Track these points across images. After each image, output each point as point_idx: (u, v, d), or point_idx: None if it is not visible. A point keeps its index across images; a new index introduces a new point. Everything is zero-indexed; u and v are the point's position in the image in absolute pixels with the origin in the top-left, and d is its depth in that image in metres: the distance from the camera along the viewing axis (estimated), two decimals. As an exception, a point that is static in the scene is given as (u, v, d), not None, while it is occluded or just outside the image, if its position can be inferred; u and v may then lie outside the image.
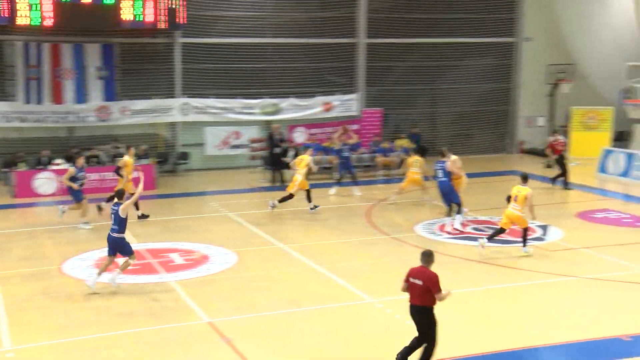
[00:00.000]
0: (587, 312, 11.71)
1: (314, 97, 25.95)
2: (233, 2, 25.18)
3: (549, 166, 25.37)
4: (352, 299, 12.38)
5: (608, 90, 27.71)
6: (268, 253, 15.32)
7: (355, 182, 21.13)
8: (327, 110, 26.14)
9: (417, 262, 14.24)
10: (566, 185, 21.26)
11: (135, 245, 15.69)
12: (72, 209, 17.30)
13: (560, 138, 22.07)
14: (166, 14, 22.96)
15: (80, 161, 17.54)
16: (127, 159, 17.87)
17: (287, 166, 22.79)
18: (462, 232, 16.47)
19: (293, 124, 25.66)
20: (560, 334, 10.67)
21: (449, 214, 17.05)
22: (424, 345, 9.39)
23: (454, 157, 17.37)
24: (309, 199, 18.50)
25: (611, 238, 15.83)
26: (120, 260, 13.02)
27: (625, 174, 22.59)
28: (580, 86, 28.29)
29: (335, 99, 26.18)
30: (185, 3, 23.40)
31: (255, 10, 25.51)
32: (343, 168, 21.07)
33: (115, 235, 12.65)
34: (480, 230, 16.72)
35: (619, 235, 16.17)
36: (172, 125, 25.19)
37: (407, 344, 9.53)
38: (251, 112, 25.39)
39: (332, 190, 20.91)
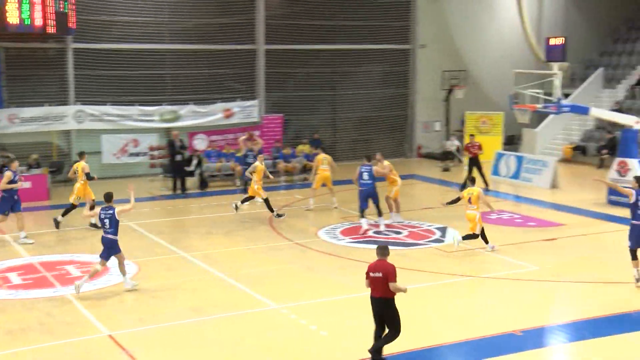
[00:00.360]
0: (482, 309, 12.10)
1: (214, 103, 25.71)
2: (128, 7, 24.60)
3: (445, 169, 26.19)
4: (257, 305, 12.31)
5: (498, 95, 28.91)
6: (170, 262, 15.03)
7: None
8: (228, 116, 25.95)
9: (321, 267, 14.48)
10: (487, 186, 22.05)
11: (28, 259, 15.07)
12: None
13: (476, 142, 22.59)
14: (55, 18, 22.13)
15: (15, 165, 16.78)
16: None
17: (189, 174, 22.50)
18: (364, 236, 16.71)
19: (193, 131, 25.31)
20: (458, 332, 10.96)
21: (380, 214, 17.37)
22: (387, 332, 9.76)
23: (386, 162, 17.93)
24: (269, 207, 18.29)
25: (504, 238, 16.44)
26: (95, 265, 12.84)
27: (516, 176, 23.58)
28: (473, 92, 29.41)
29: (235, 106, 26.04)
30: (75, 7, 22.66)
31: (151, 15, 25.02)
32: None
33: (111, 237, 12.85)
34: (382, 233, 17.00)
35: (512, 235, 16.83)
36: (67, 133, 24.32)
37: (374, 339, 9.84)
38: (150, 119, 24.87)
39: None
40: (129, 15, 24.65)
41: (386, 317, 9.75)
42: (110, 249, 12.96)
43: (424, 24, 28.91)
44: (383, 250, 9.89)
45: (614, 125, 24.88)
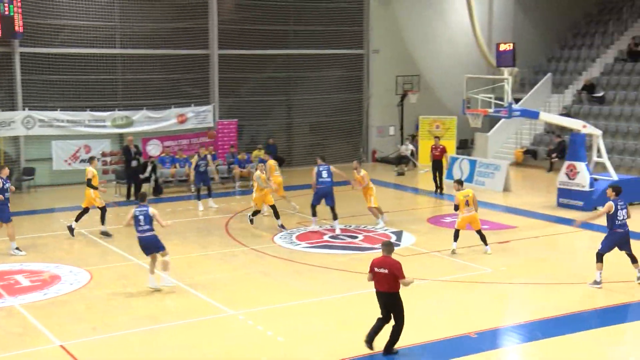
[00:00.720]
0: (437, 312, 12.21)
1: (167, 109, 25.44)
2: (77, 11, 24.11)
3: (400, 174, 26.39)
4: (213, 312, 12.21)
5: (451, 100, 29.29)
6: (124, 269, 14.81)
7: (209, 194, 20.85)
8: (182, 122, 25.70)
9: (277, 272, 14.43)
10: (441, 189, 22.40)
11: (-24, 269, 14.66)
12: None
13: (440, 145, 22.77)
14: (1, 21, 21.60)
15: (6, 171, 16.00)
16: None
17: (144, 180, 22.21)
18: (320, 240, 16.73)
19: (147, 137, 24.99)
20: (414, 335, 10.99)
21: (335, 218, 17.38)
22: (394, 325, 10.18)
23: (363, 171, 18.06)
24: (276, 215, 18.00)
25: (459, 241, 16.55)
26: None
27: (469, 179, 23.87)
28: (427, 96, 29.74)
29: (189, 111, 25.80)
30: (21, 11, 22.18)
31: (102, 20, 24.59)
32: (199, 180, 20.69)
33: (150, 234, 13.12)
34: (340, 238, 17.04)
35: (466, 239, 16.91)
36: (15, 139, 23.77)
37: (371, 328, 10.24)
38: (102, 125, 24.47)
39: (209, 205, 20.59)
40: (78, 19, 24.21)
41: (393, 310, 10.18)
42: (151, 247, 13.22)
43: (377, 29, 29.11)
44: (389, 246, 10.29)
45: (563, 129, 25.42)
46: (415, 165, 27.90)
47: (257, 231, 17.95)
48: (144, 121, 25.00)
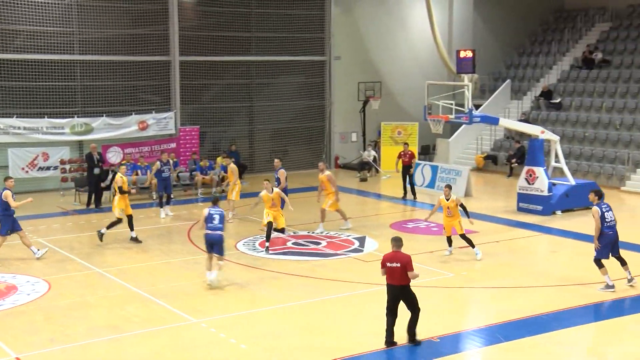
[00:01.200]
0: (400, 317, 12.14)
1: (128, 115, 25.15)
2: (34, 16, 23.71)
3: (363, 180, 26.49)
4: (176, 320, 12.08)
5: (412, 106, 29.52)
6: (83, 278, 14.57)
7: (168, 202, 20.63)
8: (143, 129, 25.43)
9: (240, 279, 14.33)
10: (414, 195, 22.47)
11: None
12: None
13: (409, 151, 22.93)
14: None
15: (11, 183, 16.00)
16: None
17: (105, 187, 21.88)
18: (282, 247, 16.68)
19: (107, 144, 24.66)
20: (377, 341, 11.03)
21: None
22: (411, 315, 10.86)
23: (328, 172, 18.21)
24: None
25: (421, 246, 16.70)
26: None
27: (431, 185, 24.08)
28: (388, 103, 29.92)
29: (150, 118, 25.55)
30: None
31: (59, 25, 24.20)
32: (162, 187, 20.47)
33: (221, 233, 13.76)
34: (301, 245, 17.02)
35: (429, 244, 17.12)
36: (-30, 147, 23.31)
37: (387, 330, 10.82)
38: (60, 132, 24.08)
39: (165, 213, 20.33)
40: (35, 24, 23.80)
41: (406, 301, 10.81)
42: (217, 246, 13.74)
43: (338, 36, 29.22)
44: (398, 242, 10.88)
45: (522, 135, 25.81)
46: (377, 171, 28.04)
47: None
48: (104, 128, 24.67)
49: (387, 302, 10.86)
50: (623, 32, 29.92)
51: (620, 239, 13.59)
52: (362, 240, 17.37)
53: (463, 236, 15.67)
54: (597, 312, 12.55)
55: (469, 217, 15.90)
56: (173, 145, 25.69)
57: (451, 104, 20.74)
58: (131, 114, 25.20)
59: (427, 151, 30.11)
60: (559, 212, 20.25)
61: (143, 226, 18.95)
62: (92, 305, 12.90)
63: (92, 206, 21.53)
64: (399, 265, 10.66)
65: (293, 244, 17.07)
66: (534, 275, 14.64)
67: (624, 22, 30.40)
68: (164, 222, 19.91)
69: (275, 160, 19.39)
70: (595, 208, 13.30)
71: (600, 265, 13.34)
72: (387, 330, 10.84)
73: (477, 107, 25.34)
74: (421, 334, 11.25)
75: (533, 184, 20.38)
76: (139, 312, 12.55)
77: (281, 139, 28.75)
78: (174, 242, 17.52)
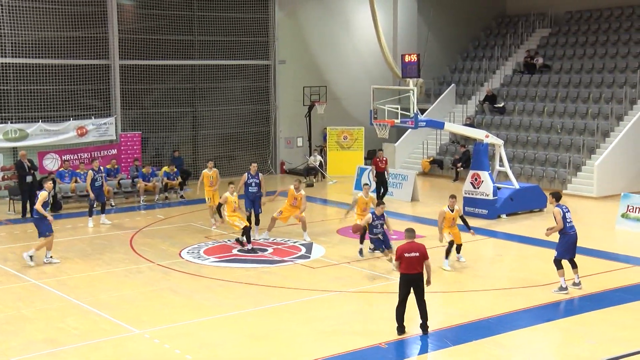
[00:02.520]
0: (348, 324, 12.10)
1: (66, 121, 24.38)
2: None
3: (309, 185, 26.30)
4: (118, 331, 11.70)
5: (358, 111, 29.51)
6: (19, 291, 13.97)
7: (103, 210, 20.03)
8: (82, 135, 24.68)
9: (185, 288, 13.95)
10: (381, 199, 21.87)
11: None
12: (40, 247, 15.75)
13: (384, 156, 22.58)
14: None
15: (50, 185, 16.18)
16: None
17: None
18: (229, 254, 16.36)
19: (44, 150, 23.85)
20: (325, 347, 10.91)
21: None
22: (425, 306, 11.37)
23: (303, 192, 17.70)
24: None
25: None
26: None
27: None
28: (334, 107, 29.84)
29: (90, 123, 24.82)
30: None
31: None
32: (96, 197, 19.72)
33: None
34: (250, 252, 16.71)
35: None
36: None
37: (398, 320, 11.33)
38: (-8, 138, 23.19)
39: (102, 222, 19.75)
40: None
41: (419, 290, 11.27)
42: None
43: (282, 40, 29.01)
44: (412, 232, 11.43)
45: (467, 139, 26.03)
46: (324, 176, 27.90)
47: (164, 246, 17.38)
48: (40, 134, 23.84)
49: (402, 293, 11.28)
50: (562, 37, 30.56)
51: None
52: (309, 247, 17.16)
53: (459, 246, 15.50)
54: (543, 314, 12.60)
55: (469, 230, 15.80)
56: (114, 151, 25.03)
57: (397, 109, 20.73)
58: (69, 120, 24.44)
59: (373, 156, 30.07)
60: (504, 216, 20.43)
61: (83, 235, 18.36)
62: (28, 318, 12.38)
63: (28, 215, 20.76)
64: (417, 254, 11.15)
65: (238, 251, 16.76)
66: (480, 279, 14.68)
67: (563, 28, 31.06)
68: (106, 230, 19.31)
69: (253, 164, 18.73)
70: (556, 209, 13.48)
71: (559, 267, 13.47)
72: (400, 319, 11.35)
73: (422, 111, 25.46)
74: (368, 340, 11.14)
75: (478, 188, 20.52)
76: (78, 324, 12.09)
77: (226, 145, 28.33)
78: (116, 251, 16.99)
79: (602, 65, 27.80)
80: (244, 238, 16.57)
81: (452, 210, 15.40)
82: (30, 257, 15.64)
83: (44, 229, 15.67)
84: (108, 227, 19.53)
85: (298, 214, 17.65)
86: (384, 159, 22.52)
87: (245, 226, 16.56)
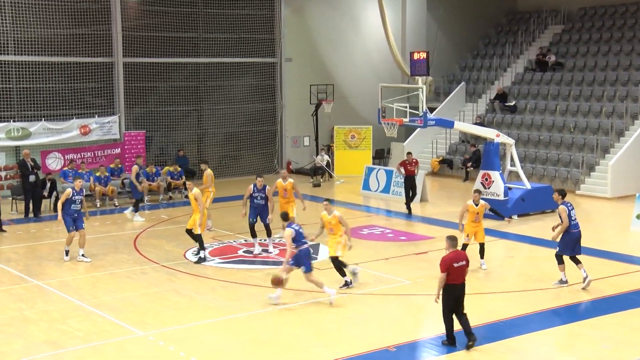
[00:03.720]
0: (356, 326, 11.88)
1: (69, 120, 24.08)
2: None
3: (317, 185, 25.98)
4: (122, 334, 11.48)
5: (366, 109, 29.16)
6: (22, 292, 13.73)
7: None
8: (85, 133, 24.38)
9: (189, 290, 13.65)
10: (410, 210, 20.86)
11: None
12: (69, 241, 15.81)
13: (413, 157, 21.51)
14: None
15: (78, 183, 15.96)
16: None
17: (45, 197, 20.92)
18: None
19: (47, 149, 23.55)
20: (333, 350, 10.71)
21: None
22: (466, 316, 10.82)
23: (290, 181, 17.39)
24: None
25: (377, 253, 16.34)
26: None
27: (386, 190, 23.66)
28: (342, 106, 29.48)
29: (93, 122, 24.52)
30: None
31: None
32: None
33: (307, 246, 13.15)
34: (252, 252, 16.40)
35: (384, 250, 16.74)
36: None
37: (464, 328, 10.72)
38: (-6, 137, 22.89)
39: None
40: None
41: (462, 299, 10.79)
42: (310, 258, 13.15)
43: (289, 37, 28.68)
44: (456, 240, 10.94)
45: (477, 138, 25.64)
46: (331, 176, 27.55)
47: (169, 247, 17.09)
48: (43, 133, 23.55)
49: (450, 304, 10.69)
50: (575, 34, 30.13)
51: (576, 242, 13.60)
52: (315, 248, 16.82)
53: (482, 246, 15.05)
54: (556, 317, 12.34)
55: (504, 218, 16.20)
56: (117, 150, 24.74)
57: (405, 107, 20.39)
58: (72, 118, 24.14)
59: (381, 155, 29.76)
60: (515, 217, 20.05)
61: (87, 235, 18.02)
62: (31, 320, 12.16)
63: (31, 215, 20.50)
64: (464, 263, 10.76)
65: (244, 252, 16.46)
66: (491, 281, 14.37)
67: (576, 25, 30.62)
68: (108, 231, 19.03)
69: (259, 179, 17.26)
70: (562, 207, 13.53)
71: (560, 261, 13.63)
72: (450, 331, 10.78)
73: (431, 110, 25.11)
74: (377, 343, 10.89)
75: (489, 188, 20.14)
76: (81, 326, 11.87)
77: (231, 144, 28.02)
78: (120, 252, 16.72)
79: (616, 62, 27.38)
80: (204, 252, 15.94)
81: (477, 205, 14.96)
82: (66, 252, 15.84)
83: (67, 225, 15.74)
84: (111, 227, 19.28)
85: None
86: (414, 160, 21.34)
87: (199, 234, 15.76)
